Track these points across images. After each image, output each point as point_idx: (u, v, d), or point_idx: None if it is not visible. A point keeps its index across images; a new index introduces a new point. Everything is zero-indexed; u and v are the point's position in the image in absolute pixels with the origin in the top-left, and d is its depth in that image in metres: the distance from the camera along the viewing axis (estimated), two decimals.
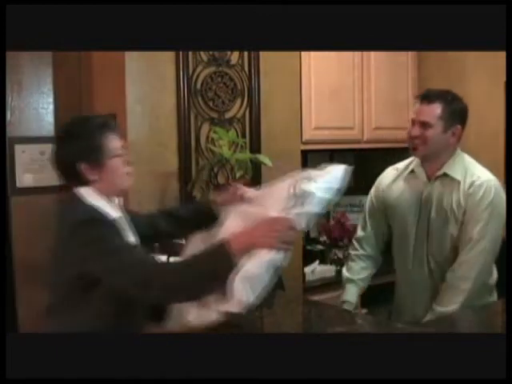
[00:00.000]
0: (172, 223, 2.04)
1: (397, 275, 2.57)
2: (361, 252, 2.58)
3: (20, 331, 3.20)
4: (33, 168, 3.39)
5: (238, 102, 3.26)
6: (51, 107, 3.42)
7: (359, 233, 2.62)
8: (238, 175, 3.20)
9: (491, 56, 3.17)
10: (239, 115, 3.27)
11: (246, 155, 3.12)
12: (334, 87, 3.58)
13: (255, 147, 3.29)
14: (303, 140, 3.52)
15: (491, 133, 3.59)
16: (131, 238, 1.82)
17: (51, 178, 3.42)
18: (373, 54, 3.72)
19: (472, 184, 2.26)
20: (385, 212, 2.52)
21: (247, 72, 3.26)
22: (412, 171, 2.42)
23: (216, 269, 1.63)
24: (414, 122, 2.30)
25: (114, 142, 1.81)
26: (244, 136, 3.26)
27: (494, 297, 2.43)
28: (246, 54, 3.25)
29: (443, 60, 3.80)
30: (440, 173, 2.32)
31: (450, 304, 2.25)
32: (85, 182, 1.79)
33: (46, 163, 3.42)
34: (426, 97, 2.29)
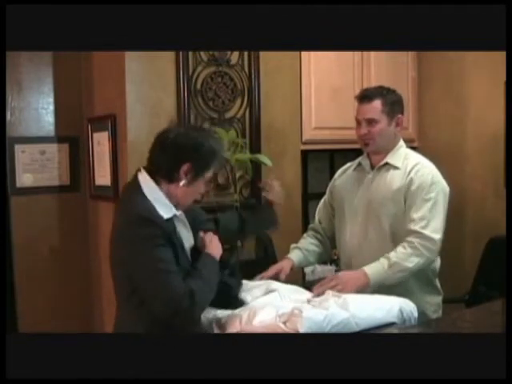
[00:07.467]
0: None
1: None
2: (309, 239, 2.67)
3: (20, 331, 3.20)
4: (33, 168, 3.38)
5: (238, 101, 3.26)
6: (51, 107, 3.42)
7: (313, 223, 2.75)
8: (238, 175, 3.20)
9: (491, 56, 3.16)
10: (239, 115, 3.26)
11: (246, 155, 3.12)
12: (334, 87, 3.58)
13: (255, 147, 3.28)
14: (303, 140, 3.52)
15: (491, 133, 3.58)
16: (185, 234, 1.87)
17: (51, 177, 3.44)
18: (373, 53, 3.71)
19: (411, 169, 2.41)
20: (330, 202, 2.66)
21: (247, 72, 3.26)
22: (359, 164, 2.58)
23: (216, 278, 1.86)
24: (359, 122, 2.45)
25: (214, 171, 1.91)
26: (244, 136, 3.26)
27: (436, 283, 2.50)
28: (246, 54, 3.25)
29: (443, 60, 3.80)
30: (383, 162, 2.47)
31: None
32: (171, 180, 1.82)
33: (45, 163, 3.42)
34: (365, 96, 2.44)
